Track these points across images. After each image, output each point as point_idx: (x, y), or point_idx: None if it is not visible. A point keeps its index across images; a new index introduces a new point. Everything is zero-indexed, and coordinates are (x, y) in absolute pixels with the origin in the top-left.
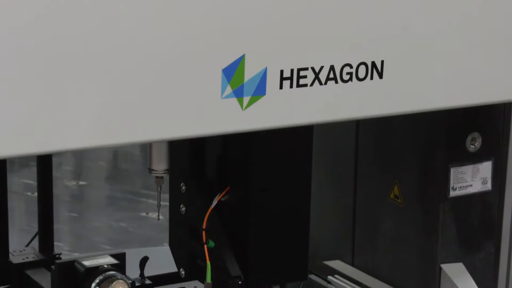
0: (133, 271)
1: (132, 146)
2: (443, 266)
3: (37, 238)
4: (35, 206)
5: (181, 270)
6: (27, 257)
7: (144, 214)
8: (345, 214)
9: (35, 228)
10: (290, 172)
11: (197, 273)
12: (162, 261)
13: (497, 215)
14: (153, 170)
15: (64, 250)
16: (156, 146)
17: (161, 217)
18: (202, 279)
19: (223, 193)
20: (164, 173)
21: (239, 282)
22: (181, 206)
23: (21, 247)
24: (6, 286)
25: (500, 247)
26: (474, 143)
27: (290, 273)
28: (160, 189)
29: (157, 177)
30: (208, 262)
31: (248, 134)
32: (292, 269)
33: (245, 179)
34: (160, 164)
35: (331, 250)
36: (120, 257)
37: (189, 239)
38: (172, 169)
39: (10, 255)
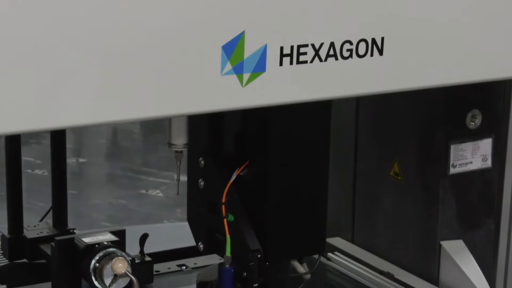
0: (133, 248)
1: (132, 123)
2: (443, 243)
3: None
4: (34, 183)
5: (199, 244)
6: (41, 232)
7: (143, 191)
8: (345, 191)
9: (35, 205)
10: (309, 147)
11: (215, 247)
12: (162, 238)
13: (497, 192)
14: (172, 144)
15: None
16: (176, 120)
17: (161, 194)
18: (221, 253)
19: (242, 167)
20: (184, 147)
21: (258, 256)
22: (200, 181)
23: (27, 223)
24: (22, 260)
25: (500, 224)
26: (474, 120)
27: (308, 247)
28: (180, 163)
29: (176, 151)
30: (228, 236)
31: (266, 110)
32: (309, 243)
33: (263, 154)
34: (179, 139)
35: (331, 227)
36: (120, 234)
37: (208, 213)
38: (190, 144)
39: (24, 230)
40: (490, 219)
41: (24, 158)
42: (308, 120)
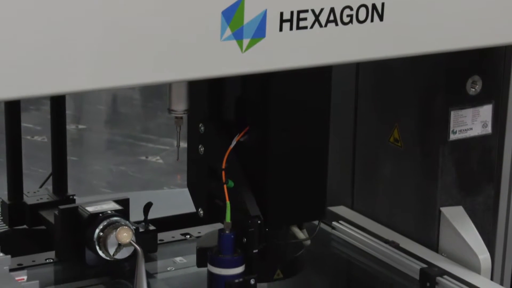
0: (133, 214)
1: (132, 89)
2: (443, 209)
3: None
4: (34, 150)
5: (199, 210)
6: (41, 198)
7: (143, 157)
8: (345, 158)
9: (35, 171)
10: (309, 112)
11: (215, 213)
12: (162, 204)
13: (497, 159)
14: (172, 110)
15: None
16: (176, 86)
17: (160, 160)
18: (221, 219)
19: (242, 133)
20: (184, 113)
21: (258, 222)
22: (200, 147)
23: (27, 190)
24: (19, 227)
25: (499, 191)
26: (474, 86)
27: (308, 212)
28: (180, 129)
29: (176, 117)
30: (228, 202)
31: (267, 75)
32: (310, 209)
33: (264, 120)
34: (179, 105)
35: (331, 194)
36: (124, 203)
37: (208, 180)
38: (190, 110)
39: (24, 196)
40: (489, 185)
41: (24, 124)
42: (309, 85)
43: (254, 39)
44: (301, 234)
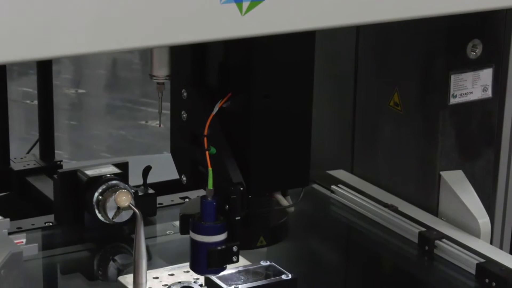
0: (133, 178)
1: (131, 53)
2: (443, 173)
3: (37, 145)
4: (34, 114)
5: (182, 176)
6: (28, 164)
7: (143, 122)
8: (344, 122)
9: (34, 136)
10: (292, 79)
11: (198, 180)
12: (162, 168)
13: (497, 123)
14: (154, 76)
15: (63, 158)
16: (157, 52)
17: (161, 125)
18: (204, 186)
19: (225, 99)
20: (166, 79)
21: (241, 189)
22: (182, 113)
23: (22, 154)
24: (5, 193)
25: (499, 155)
26: (475, 50)
27: (292, 179)
28: (162, 95)
29: (158, 83)
30: (210, 169)
31: (250, 41)
32: (293, 176)
33: (246, 86)
34: (161, 70)
35: (331, 158)
36: (123, 166)
37: (190, 146)
38: (173, 75)
39: (11, 162)
40: (489, 149)
41: (23, 88)
42: (292, 50)
43: (254, 2)
44: (284, 201)
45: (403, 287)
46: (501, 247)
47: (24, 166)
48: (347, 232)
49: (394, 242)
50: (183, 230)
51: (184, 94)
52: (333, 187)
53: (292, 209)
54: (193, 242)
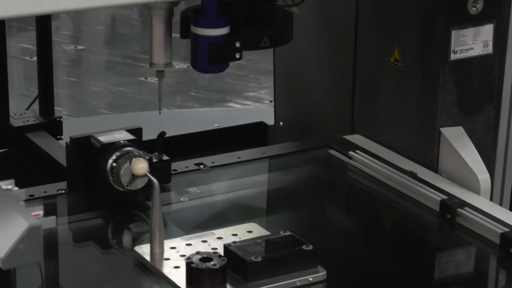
0: None
1: (130, 9)
2: (443, 129)
3: (37, 101)
4: (33, 70)
5: None
6: (27, 120)
7: (142, 78)
8: (345, 78)
9: (34, 92)
10: None
11: None
12: (161, 125)
13: (497, 79)
14: (154, 64)
15: (63, 114)
16: (157, 39)
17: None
18: None
19: None
20: (165, 67)
21: None
22: None
23: (21, 111)
24: (5, 149)
25: (500, 111)
26: (475, 6)
27: None
28: (161, 82)
29: (158, 71)
30: None
31: None
32: None
33: None
34: (161, 58)
35: (330, 115)
36: (136, 132)
37: None
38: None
39: (10, 118)
40: (490, 105)
41: (22, 45)
42: None
43: None
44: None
45: (425, 256)
46: (500, 204)
47: (24, 122)
48: (365, 199)
49: (414, 210)
50: (184, 34)
51: None
52: (351, 153)
53: (296, 10)
54: (194, 37)
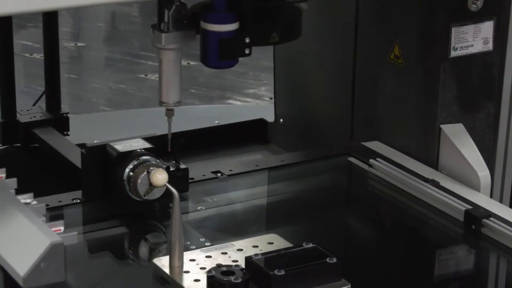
0: (131, 130)
1: (130, 6)
2: (443, 126)
3: (40, 98)
4: (33, 67)
5: None
6: (34, 116)
7: (143, 75)
8: (345, 75)
9: (34, 89)
10: None
11: None
12: (161, 122)
13: (497, 76)
14: (163, 103)
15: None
16: (166, 79)
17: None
18: None
19: None
20: (175, 105)
21: None
22: None
23: (23, 107)
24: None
25: (500, 108)
26: (476, 2)
27: None
28: (171, 121)
29: (167, 109)
30: None
31: None
32: None
33: None
34: (170, 97)
35: (331, 111)
36: (154, 140)
37: None
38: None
39: (17, 114)
40: (490, 102)
41: (22, 42)
42: None
43: None
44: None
45: (450, 267)
46: (501, 201)
47: (31, 118)
48: (388, 209)
49: (437, 219)
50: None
51: None
52: (371, 161)
53: (306, 6)
54: (204, 33)
